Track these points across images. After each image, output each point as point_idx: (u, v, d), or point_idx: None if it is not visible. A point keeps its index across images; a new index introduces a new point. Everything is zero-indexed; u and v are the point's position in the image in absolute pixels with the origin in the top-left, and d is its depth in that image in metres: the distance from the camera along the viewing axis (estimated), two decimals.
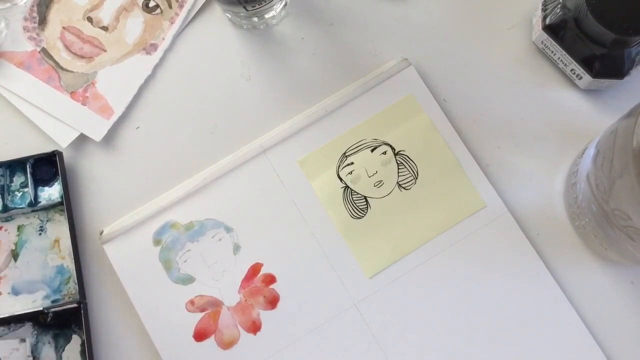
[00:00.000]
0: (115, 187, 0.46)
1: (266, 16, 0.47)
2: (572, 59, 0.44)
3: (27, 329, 0.45)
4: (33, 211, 0.46)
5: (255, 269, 0.44)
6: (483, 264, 0.44)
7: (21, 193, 0.46)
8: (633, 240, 0.36)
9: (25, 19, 0.49)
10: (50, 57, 0.48)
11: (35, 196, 0.46)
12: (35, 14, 0.49)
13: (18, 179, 0.46)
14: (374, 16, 0.48)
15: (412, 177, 0.45)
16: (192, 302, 0.44)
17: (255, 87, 0.48)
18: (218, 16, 0.49)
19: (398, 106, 0.46)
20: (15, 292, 0.45)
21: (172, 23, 0.48)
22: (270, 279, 0.44)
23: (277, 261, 0.44)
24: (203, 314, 0.44)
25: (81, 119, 0.47)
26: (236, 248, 0.45)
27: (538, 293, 0.43)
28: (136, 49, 0.48)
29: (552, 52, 0.46)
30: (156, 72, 0.48)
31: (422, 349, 0.43)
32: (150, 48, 0.48)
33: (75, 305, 0.44)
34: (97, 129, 0.47)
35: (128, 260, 0.44)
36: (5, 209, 0.46)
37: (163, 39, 0.48)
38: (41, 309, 0.44)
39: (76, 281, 0.44)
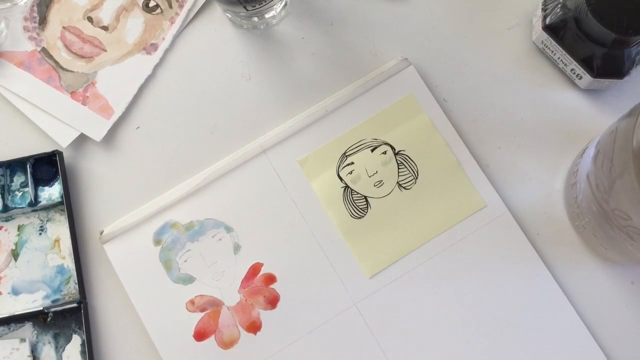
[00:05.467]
0: (115, 187, 0.47)
1: (266, 16, 0.47)
2: (572, 59, 0.44)
3: (27, 329, 0.45)
4: (33, 211, 0.46)
5: (255, 269, 0.44)
6: (483, 264, 0.44)
7: (21, 193, 0.46)
8: (633, 240, 0.36)
9: (26, 19, 0.49)
10: (51, 57, 0.48)
11: (36, 196, 0.46)
12: (35, 14, 0.49)
13: (18, 179, 0.46)
14: (374, 16, 0.48)
15: (412, 177, 0.45)
16: (192, 302, 0.44)
17: (255, 87, 0.48)
18: (218, 16, 0.49)
19: (398, 106, 0.46)
20: (16, 292, 0.45)
21: (172, 23, 0.48)
22: (270, 279, 0.44)
23: (277, 261, 0.44)
24: (203, 313, 0.44)
25: (81, 118, 0.47)
26: (236, 248, 0.45)
27: (538, 293, 0.43)
28: (136, 49, 0.48)
29: (552, 52, 0.46)
30: (156, 72, 0.48)
31: (422, 348, 0.43)
32: (151, 48, 0.48)
33: (75, 305, 0.44)
34: (97, 129, 0.47)
35: (128, 260, 0.44)
36: (6, 208, 0.46)
37: (163, 38, 0.48)
38: (41, 308, 0.44)
39: (76, 281, 0.44)
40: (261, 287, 0.44)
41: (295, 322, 0.44)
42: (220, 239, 0.45)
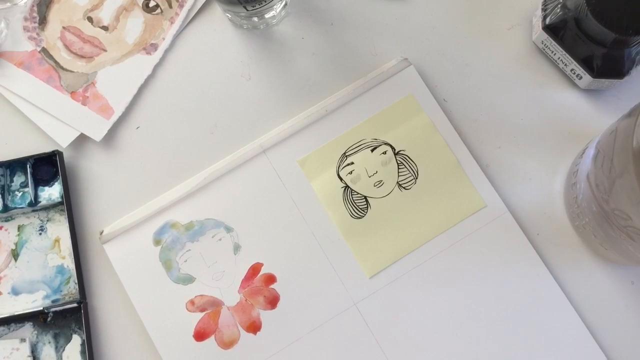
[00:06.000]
0: (115, 187, 0.47)
1: (266, 16, 0.47)
2: (572, 59, 0.44)
3: (27, 329, 0.45)
4: (33, 211, 0.46)
5: (255, 269, 0.44)
6: (483, 264, 0.44)
7: (21, 193, 0.46)
8: (633, 240, 0.36)
9: (26, 19, 0.49)
10: (51, 57, 0.48)
11: (36, 196, 0.46)
12: (35, 14, 0.49)
13: (18, 179, 0.46)
14: (374, 16, 0.48)
15: (412, 177, 0.45)
16: (192, 302, 0.44)
17: (255, 87, 0.48)
18: (218, 16, 0.49)
19: (398, 106, 0.46)
20: (15, 292, 0.45)
21: (172, 23, 0.48)
22: (270, 279, 0.44)
23: (277, 261, 0.44)
24: (203, 313, 0.44)
25: (81, 119, 0.47)
26: (236, 248, 0.45)
27: (538, 293, 0.43)
28: (136, 49, 0.48)
29: (552, 52, 0.46)
30: (156, 72, 0.48)
31: (422, 348, 0.43)
32: (151, 48, 0.48)
33: (75, 305, 0.44)
34: (97, 129, 0.47)
35: (128, 260, 0.44)
36: (6, 208, 0.46)
37: (163, 39, 0.48)
38: (41, 308, 0.44)
39: (76, 281, 0.44)
40: (261, 287, 0.44)
41: (295, 322, 0.44)
42: (220, 239, 0.45)
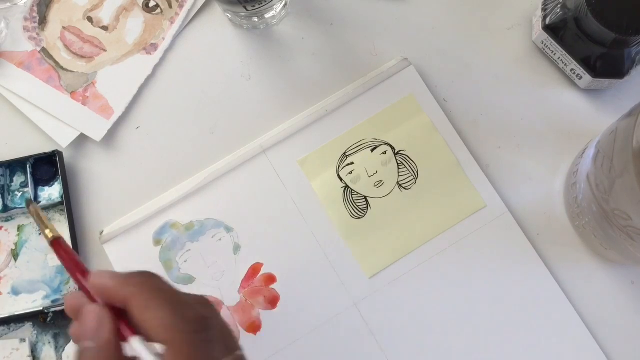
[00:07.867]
0: (115, 187, 0.47)
1: (266, 16, 0.47)
2: (572, 59, 0.44)
3: (27, 329, 0.45)
4: None
5: (255, 269, 0.44)
6: (483, 264, 0.44)
7: (21, 193, 0.46)
8: (633, 240, 0.36)
9: (26, 19, 0.49)
10: (51, 57, 0.48)
11: (35, 196, 0.46)
12: (35, 14, 0.49)
13: (18, 179, 0.46)
14: (374, 16, 0.48)
15: (412, 177, 0.45)
16: None
17: (255, 87, 0.48)
18: (218, 16, 0.49)
19: (398, 106, 0.46)
20: (15, 292, 0.45)
21: (172, 23, 0.48)
22: (270, 279, 0.44)
23: (277, 261, 0.44)
24: None
25: (81, 119, 0.47)
26: (236, 248, 0.45)
27: (538, 293, 0.43)
28: (136, 49, 0.48)
29: (552, 52, 0.46)
30: (156, 72, 0.48)
31: (422, 348, 0.43)
32: (151, 48, 0.48)
33: None
34: (97, 129, 0.47)
35: (128, 261, 0.44)
36: (5, 208, 0.46)
37: (163, 39, 0.48)
38: (41, 309, 0.44)
39: None
40: (261, 287, 0.44)
41: (295, 322, 0.44)
42: (220, 239, 0.45)
